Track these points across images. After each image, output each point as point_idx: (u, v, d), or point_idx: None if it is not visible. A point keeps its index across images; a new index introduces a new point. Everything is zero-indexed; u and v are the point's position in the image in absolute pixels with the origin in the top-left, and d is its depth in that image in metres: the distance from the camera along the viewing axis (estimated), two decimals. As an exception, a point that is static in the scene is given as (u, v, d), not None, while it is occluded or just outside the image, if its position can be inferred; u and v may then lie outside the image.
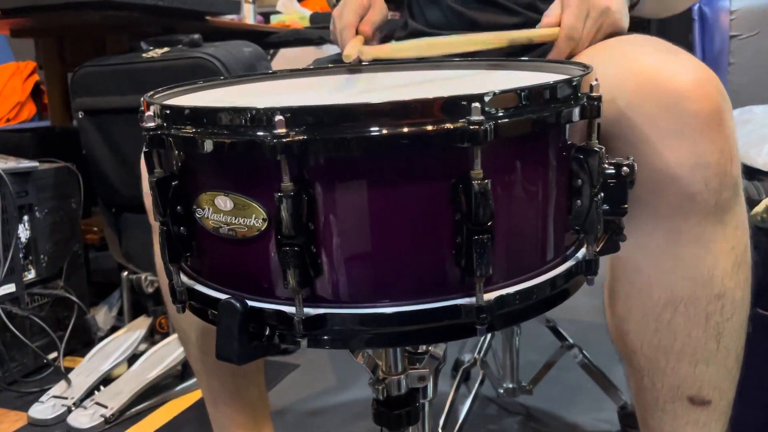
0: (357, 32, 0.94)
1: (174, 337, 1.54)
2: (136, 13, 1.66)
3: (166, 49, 1.58)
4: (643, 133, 0.64)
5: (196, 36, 1.61)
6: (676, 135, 0.63)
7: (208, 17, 1.93)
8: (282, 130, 0.45)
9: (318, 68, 0.80)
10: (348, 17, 0.92)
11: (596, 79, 0.54)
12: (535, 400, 1.35)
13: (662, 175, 0.64)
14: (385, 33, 1.41)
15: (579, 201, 0.55)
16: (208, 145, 0.49)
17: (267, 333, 0.52)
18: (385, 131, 0.45)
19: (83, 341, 1.67)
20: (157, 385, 1.44)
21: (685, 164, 0.63)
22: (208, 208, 0.52)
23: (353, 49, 0.78)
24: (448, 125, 0.46)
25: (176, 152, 0.54)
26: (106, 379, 1.47)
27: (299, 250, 0.48)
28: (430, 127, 0.46)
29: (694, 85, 0.63)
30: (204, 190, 0.52)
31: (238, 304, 0.51)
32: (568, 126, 0.54)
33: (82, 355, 1.57)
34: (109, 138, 1.62)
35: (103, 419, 1.34)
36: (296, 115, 0.46)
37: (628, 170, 0.56)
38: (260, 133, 0.46)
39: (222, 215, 0.51)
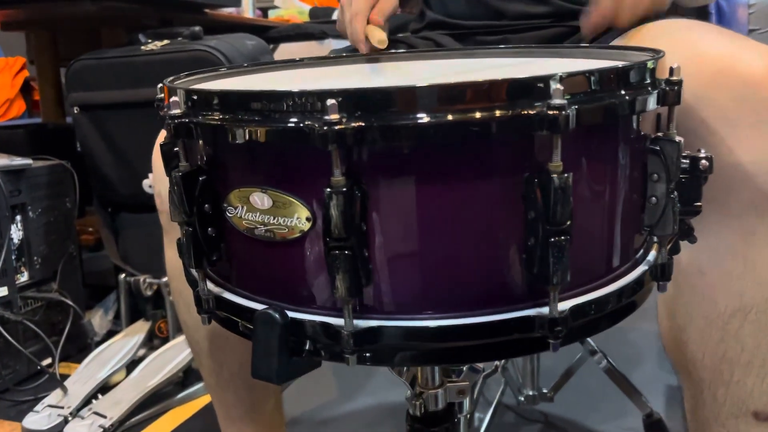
0: (368, 21, 0.88)
1: (175, 342, 1.47)
2: (135, 5, 1.59)
3: (166, 41, 1.52)
4: (712, 125, 0.58)
5: (197, 28, 1.54)
6: (753, 127, 0.57)
7: (207, 10, 1.87)
8: (334, 116, 0.39)
9: (349, 56, 0.74)
10: (359, 5, 0.86)
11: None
12: (555, 408, 1.29)
13: (735, 170, 0.58)
14: (391, 26, 1.35)
15: (654, 198, 0.49)
16: (243, 135, 0.43)
17: (309, 348, 0.46)
18: (452, 117, 0.39)
19: (78, 347, 1.59)
20: (157, 393, 1.37)
21: (763, 159, 0.57)
22: (242, 207, 0.46)
23: (381, 35, 0.73)
24: (527, 111, 0.40)
25: (202, 144, 0.48)
26: (104, 387, 1.40)
27: (350, 253, 0.41)
28: (504, 113, 0.40)
29: None
30: (237, 186, 0.46)
31: (277, 316, 0.45)
32: (641, 115, 0.49)
33: (78, 361, 1.50)
34: (106, 134, 1.55)
35: (102, 430, 1.27)
36: (351, 100, 0.40)
37: (707, 164, 0.50)
38: (308, 121, 0.40)
39: (258, 214, 0.45)
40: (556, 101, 0.40)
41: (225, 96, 0.44)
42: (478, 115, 0.40)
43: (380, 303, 0.44)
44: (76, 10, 1.65)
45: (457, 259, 0.43)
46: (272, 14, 2.49)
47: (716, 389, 0.66)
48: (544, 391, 1.24)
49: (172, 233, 0.84)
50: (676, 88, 0.47)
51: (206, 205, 0.48)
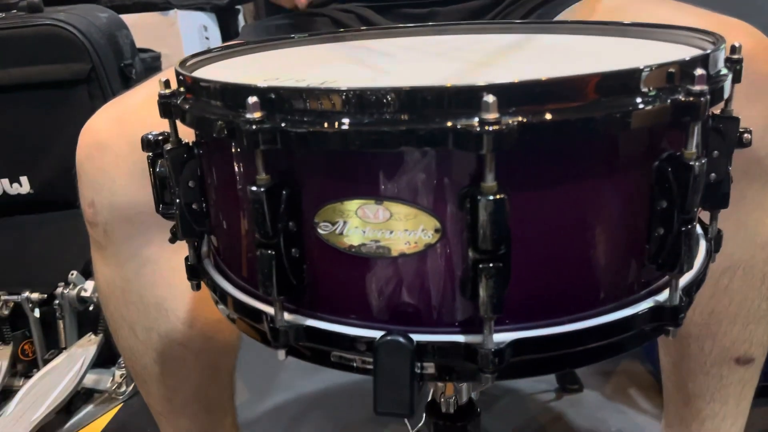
0: None
1: (54, 364, 1.27)
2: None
3: (-2, 14, 1.28)
4: None
5: (36, -2, 1.31)
6: (747, 98, 0.61)
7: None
8: (493, 115, 0.35)
9: (313, 35, 0.67)
10: None
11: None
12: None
13: None
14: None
15: (713, 174, 0.51)
16: (361, 142, 0.37)
17: (432, 372, 0.41)
18: (607, 111, 0.37)
19: None
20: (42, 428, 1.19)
21: (755, 127, 0.61)
22: (343, 222, 0.39)
23: None
24: (679, 96, 0.38)
25: (285, 153, 0.40)
26: (-30, 431, 1.18)
27: (503, 266, 0.37)
28: (663, 100, 0.38)
29: (759, 47, 0.61)
30: (339, 199, 0.39)
31: (404, 341, 0.39)
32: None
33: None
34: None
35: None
36: (508, 95, 0.35)
37: (749, 137, 0.53)
38: (455, 122, 0.35)
39: (369, 229, 0.39)
40: (698, 87, 0.38)
41: (335, 95, 0.37)
42: (638, 103, 0.37)
43: (518, 314, 0.40)
44: None
45: (594, 258, 0.41)
46: (90, -19, 2.20)
47: (703, 342, 0.71)
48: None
49: (109, 249, 0.72)
50: (738, 67, 0.48)
51: (290, 223, 0.41)
